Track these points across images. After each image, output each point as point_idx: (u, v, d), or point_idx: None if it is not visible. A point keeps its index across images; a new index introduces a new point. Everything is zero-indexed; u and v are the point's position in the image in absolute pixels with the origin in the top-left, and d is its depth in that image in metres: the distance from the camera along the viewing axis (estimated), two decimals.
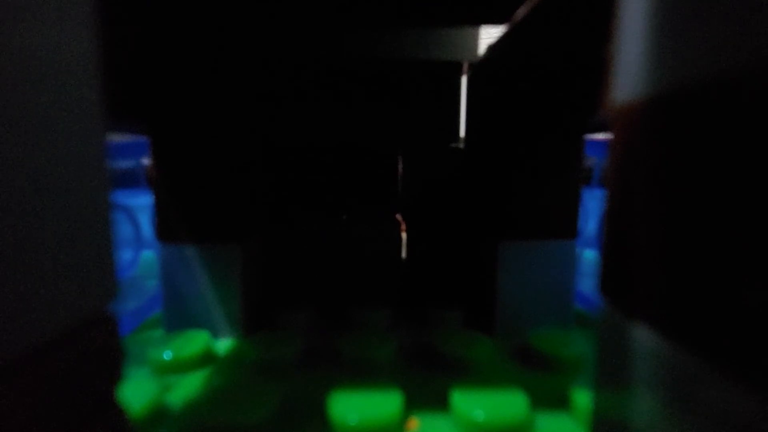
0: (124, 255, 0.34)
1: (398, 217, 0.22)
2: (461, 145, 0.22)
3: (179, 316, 0.17)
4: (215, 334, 0.17)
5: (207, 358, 0.15)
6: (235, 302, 0.17)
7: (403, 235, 0.22)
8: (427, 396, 0.13)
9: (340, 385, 0.13)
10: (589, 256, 0.31)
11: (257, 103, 0.19)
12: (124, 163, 0.37)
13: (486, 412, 0.12)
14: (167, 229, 0.17)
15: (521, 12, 0.16)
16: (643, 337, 0.07)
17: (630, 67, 0.07)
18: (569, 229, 0.17)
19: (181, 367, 0.15)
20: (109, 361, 0.08)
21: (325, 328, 0.18)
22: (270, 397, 0.12)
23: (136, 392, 0.12)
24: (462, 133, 0.22)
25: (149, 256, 0.34)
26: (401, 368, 0.15)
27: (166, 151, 0.17)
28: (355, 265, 0.21)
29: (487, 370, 0.15)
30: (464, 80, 0.21)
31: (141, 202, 0.33)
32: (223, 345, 0.17)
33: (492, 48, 0.19)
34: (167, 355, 0.15)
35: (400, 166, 0.22)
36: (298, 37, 0.20)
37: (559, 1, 0.14)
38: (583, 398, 0.12)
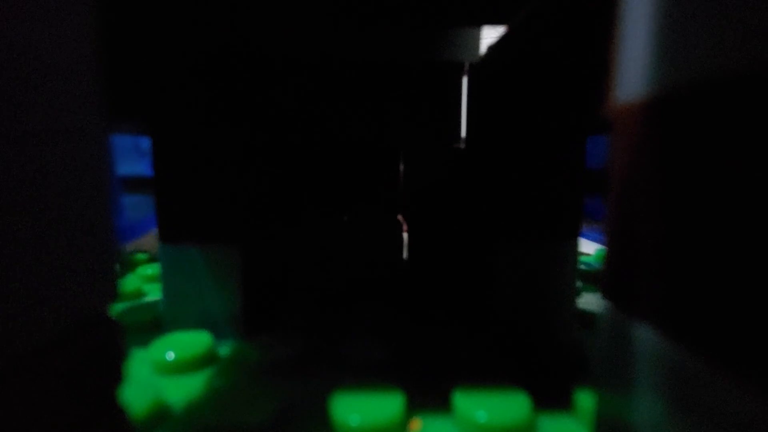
0: None
1: (400, 217, 0.22)
2: (462, 146, 0.22)
3: (180, 317, 0.17)
4: (216, 334, 0.17)
5: (208, 359, 0.15)
6: (235, 302, 0.17)
7: (405, 236, 0.22)
8: (429, 397, 0.13)
9: (342, 386, 0.13)
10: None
11: (258, 103, 0.19)
12: None
13: (488, 413, 0.12)
14: (168, 229, 0.17)
15: (522, 12, 0.16)
16: (645, 338, 0.07)
17: (631, 67, 0.07)
18: (570, 230, 0.17)
19: (181, 367, 0.15)
20: (110, 361, 0.08)
21: (325, 329, 0.18)
22: (271, 398, 0.12)
23: (137, 393, 0.12)
24: (463, 133, 0.22)
25: None
26: (402, 369, 0.15)
27: (166, 151, 0.17)
28: (356, 265, 0.21)
29: (488, 370, 0.15)
30: (465, 80, 0.21)
31: None
32: (224, 346, 0.17)
33: (493, 48, 0.19)
34: (168, 355, 0.15)
35: (402, 167, 0.22)
36: (300, 37, 0.20)
37: (560, 1, 0.14)
38: (585, 399, 0.12)
